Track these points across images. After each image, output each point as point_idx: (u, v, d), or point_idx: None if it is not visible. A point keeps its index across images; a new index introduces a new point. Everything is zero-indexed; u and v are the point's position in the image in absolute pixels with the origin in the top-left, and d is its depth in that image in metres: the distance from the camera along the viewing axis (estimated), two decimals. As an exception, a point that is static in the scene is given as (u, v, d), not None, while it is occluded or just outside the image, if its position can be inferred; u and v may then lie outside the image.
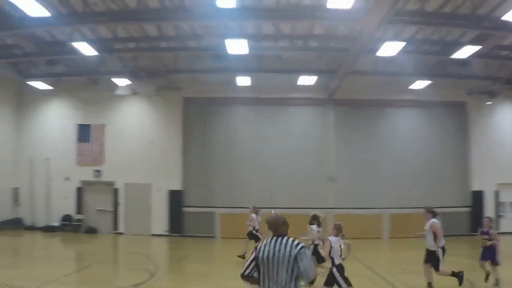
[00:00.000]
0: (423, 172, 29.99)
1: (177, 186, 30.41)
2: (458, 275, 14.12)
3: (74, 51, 23.34)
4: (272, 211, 7.22)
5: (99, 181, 31.08)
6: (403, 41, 21.41)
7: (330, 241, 12.28)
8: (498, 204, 29.97)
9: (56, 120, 31.62)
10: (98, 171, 30.98)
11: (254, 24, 22.68)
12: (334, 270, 11.94)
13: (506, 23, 18.38)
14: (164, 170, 30.51)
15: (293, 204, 27.77)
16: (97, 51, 23.25)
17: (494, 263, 15.08)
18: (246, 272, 6.65)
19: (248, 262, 6.70)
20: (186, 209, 30.19)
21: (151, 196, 30.69)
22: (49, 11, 18.25)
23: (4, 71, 28.59)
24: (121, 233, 30.54)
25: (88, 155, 31.12)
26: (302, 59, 26.78)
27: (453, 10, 19.77)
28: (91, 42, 22.76)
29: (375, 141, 30.34)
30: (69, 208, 30.92)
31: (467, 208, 29.75)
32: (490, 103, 29.65)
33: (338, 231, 12.52)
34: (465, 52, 22.16)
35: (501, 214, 29.80)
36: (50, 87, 30.19)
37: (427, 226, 14.19)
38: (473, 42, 22.15)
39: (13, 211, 31.15)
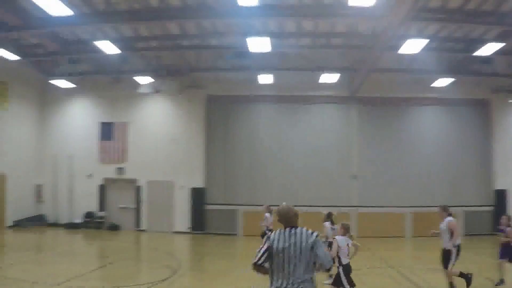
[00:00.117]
0: (446, 171, 29.78)
1: (199, 184, 30.47)
2: (467, 277, 13.96)
3: (97, 50, 23.46)
4: (284, 203, 7.13)
5: (121, 179, 31.24)
6: (426, 38, 21.27)
7: (337, 240, 12.18)
8: (522, 203, 29.65)
9: (79, 118, 31.85)
10: (120, 168, 31.14)
11: (276, 22, 22.66)
12: (341, 269, 11.84)
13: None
14: (187, 167, 30.59)
15: (315, 202, 27.68)
16: (120, 49, 23.38)
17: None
18: (260, 262, 6.52)
19: (260, 252, 6.56)
20: (208, 207, 30.24)
21: (174, 193, 30.78)
22: (72, 10, 18.37)
23: (28, 70, 28.83)
24: (143, 230, 30.67)
25: (111, 153, 31.28)
26: (325, 57, 26.67)
27: (476, 7, 19.61)
28: (113, 40, 22.88)
29: (398, 139, 30.18)
30: (92, 205, 31.15)
31: (489, 207, 29.46)
32: (514, 101, 29.46)
33: (346, 230, 12.42)
34: (489, 49, 22.02)
35: (524, 213, 29.53)
36: (73, 86, 30.37)
37: (443, 225, 14.05)
38: (496, 39, 22.03)
39: (36, 208, 31.43)
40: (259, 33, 21.47)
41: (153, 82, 27.74)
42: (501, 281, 14.90)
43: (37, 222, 30.78)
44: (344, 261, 11.96)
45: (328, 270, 6.80)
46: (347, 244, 12.10)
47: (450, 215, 14.08)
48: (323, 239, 15.84)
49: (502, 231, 15.28)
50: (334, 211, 17.26)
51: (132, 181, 31.15)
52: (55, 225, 31.08)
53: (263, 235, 19.93)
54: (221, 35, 23.64)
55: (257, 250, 6.53)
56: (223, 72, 28.79)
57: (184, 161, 30.60)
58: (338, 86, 29.33)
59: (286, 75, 28.59)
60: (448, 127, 30.35)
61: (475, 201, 29.36)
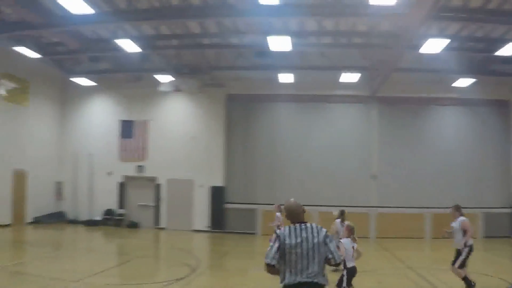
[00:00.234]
0: (465, 172, 29.53)
1: (219, 183, 30.52)
2: (470, 283, 13.85)
3: (118, 48, 23.57)
4: (292, 199, 7.07)
5: (141, 177, 31.35)
6: (447, 38, 21.14)
7: (343, 243, 12.04)
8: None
9: (99, 116, 32.04)
10: (140, 166, 31.25)
11: (297, 21, 22.61)
12: (345, 272, 11.74)
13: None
14: (207, 166, 30.63)
15: (335, 202, 27.57)
16: (141, 48, 23.45)
17: None
18: (273, 262, 6.41)
19: (272, 252, 6.44)
20: (228, 206, 30.29)
21: (193, 192, 30.83)
22: (93, 9, 18.44)
23: (48, 68, 29.03)
24: (162, 228, 30.76)
25: (131, 151, 31.41)
26: (345, 56, 26.58)
27: (498, 6, 19.41)
28: (134, 39, 22.95)
29: (418, 140, 30.00)
30: (112, 202, 31.31)
31: (509, 209, 29.18)
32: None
33: (350, 232, 12.27)
34: (510, 49, 21.83)
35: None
36: (93, 84, 30.60)
37: (455, 224, 13.96)
38: (518, 39, 21.86)
39: (56, 205, 31.69)
40: (279, 32, 21.45)
41: (173, 81, 27.76)
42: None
43: (56, 219, 31.03)
44: (349, 264, 11.79)
45: (338, 264, 6.75)
46: (352, 247, 11.97)
47: (462, 214, 14.01)
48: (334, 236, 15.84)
49: None
50: (335, 211, 17.34)
51: (152, 179, 31.25)
52: (74, 222, 31.28)
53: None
54: (242, 34, 23.62)
55: (268, 250, 6.44)
56: (244, 71, 28.77)
57: (204, 160, 30.64)
58: (358, 86, 29.23)
59: (306, 74, 28.55)
60: (468, 127, 30.14)
61: (494, 203, 29.11)
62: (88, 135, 31.85)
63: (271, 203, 27.91)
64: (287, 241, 6.34)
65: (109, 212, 31.19)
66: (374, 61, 26.29)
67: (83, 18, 19.73)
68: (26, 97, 28.82)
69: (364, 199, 29.34)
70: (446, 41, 20.84)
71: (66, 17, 19.93)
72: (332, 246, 6.49)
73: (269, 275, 6.59)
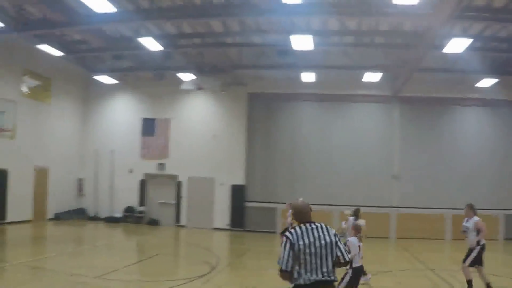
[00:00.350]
0: (487, 173, 29.22)
1: (240, 181, 30.56)
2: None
3: (140, 47, 23.65)
4: (300, 199, 7.03)
5: (162, 174, 31.47)
6: (470, 37, 20.98)
7: (351, 242, 12.01)
8: None
9: (121, 114, 32.20)
10: (162, 164, 31.35)
11: (319, 20, 22.55)
12: (350, 271, 11.69)
13: None
14: (228, 165, 30.69)
15: (355, 201, 27.41)
16: (163, 46, 23.54)
17: None
18: (289, 268, 6.29)
19: (286, 256, 6.31)
20: (248, 204, 30.30)
21: (214, 190, 30.91)
22: (115, 7, 18.53)
23: (71, 66, 29.27)
24: (183, 226, 30.86)
25: (152, 149, 31.53)
26: (368, 56, 26.50)
27: (522, 6, 19.31)
28: (157, 37, 23.02)
29: (440, 140, 29.79)
30: (132, 200, 31.46)
31: (531, 212, 28.93)
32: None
33: (357, 231, 12.30)
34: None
35: None
36: (116, 82, 30.78)
37: (469, 224, 13.87)
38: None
39: (77, 202, 31.95)
40: (302, 31, 21.41)
41: (195, 79, 27.83)
42: None
43: (77, 215, 31.23)
44: (355, 264, 11.73)
45: (347, 263, 6.71)
46: (358, 246, 11.97)
47: (476, 214, 13.94)
48: (345, 232, 15.81)
49: None
50: (347, 210, 17.38)
51: (173, 177, 31.34)
52: (95, 218, 31.49)
53: (283, 232, 19.53)
54: (264, 32, 23.59)
55: (281, 254, 6.32)
56: (266, 69, 28.75)
57: (225, 158, 30.69)
58: (380, 85, 29.12)
59: (328, 74, 28.53)
60: (491, 128, 29.84)
61: (517, 205, 28.85)
62: (109, 133, 32.03)
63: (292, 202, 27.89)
64: (300, 242, 6.26)
65: (129, 209, 31.32)
66: (396, 61, 26.19)
67: (106, 17, 19.86)
68: (48, 94, 29.01)
69: (385, 199, 29.25)
70: (469, 41, 20.68)
71: (89, 16, 20.05)
72: (341, 245, 6.49)
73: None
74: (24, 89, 27.02)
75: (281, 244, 6.36)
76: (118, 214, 31.30)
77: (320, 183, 29.73)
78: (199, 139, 31.09)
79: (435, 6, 17.31)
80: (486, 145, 29.51)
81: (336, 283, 6.50)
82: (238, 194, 30.43)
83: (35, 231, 26.03)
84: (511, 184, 29.15)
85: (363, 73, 27.26)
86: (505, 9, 19.34)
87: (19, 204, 26.40)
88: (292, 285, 6.41)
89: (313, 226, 6.47)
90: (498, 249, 25.59)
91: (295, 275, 6.32)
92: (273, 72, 28.96)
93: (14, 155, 25.98)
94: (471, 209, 14.02)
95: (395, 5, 17.27)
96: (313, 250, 6.23)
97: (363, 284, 14.83)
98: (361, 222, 16.66)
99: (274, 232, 28.93)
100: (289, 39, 21.32)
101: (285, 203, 28.50)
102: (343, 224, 16.57)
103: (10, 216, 25.72)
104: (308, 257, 6.22)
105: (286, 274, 6.36)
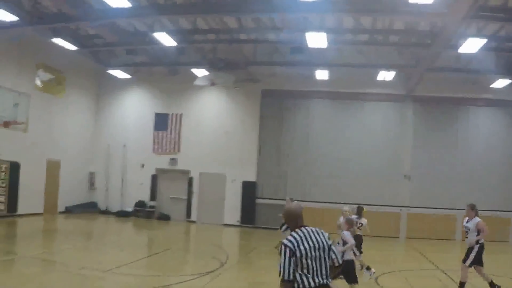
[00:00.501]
0: (499, 174, 29.03)
1: (251, 178, 30.58)
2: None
3: (154, 42, 23.64)
4: (295, 202, 6.92)
5: (174, 169, 31.53)
6: (485, 37, 20.84)
7: (345, 235, 12.07)
8: None
9: (134, 109, 32.28)
10: (173, 159, 31.41)
11: (334, 18, 22.48)
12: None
13: None
14: (239, 161, 30.72)
15: (366, 200, 27.41)
16: (177, 41, 23.51)
17: None
18: (291, 276, 6.06)
19: (286, 264, 6.09)
20: (259, 201, 30.31)
21: (225, 186, 30.96)
22: (130, 2, 18.52)
23: (85, 60, 29.31)
24: (193, 221, 30.91)
25: (164, 144, 31.58)
26: (382, 54, 26.43)
27: (538, 7, 19.17)
28: (171, 32, 23.01)
29: (452, 140, 29.63)
30: (143, 194, 31.55)
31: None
32: None
33: (350, 225, 12.39)
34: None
35: None
36: (129, 76, 30.82)
37: (470, 224, 13.79)
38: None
39: (88, 195, 32.11)
40: (316, 29, 21.34)
41: (208, 75, 27.81)
42: None
43: (88, 209, 31.35)
44: (347, 257, 11.78)
45: (340, 267, 6.65)
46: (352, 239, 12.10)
47: (477, 214, 13.85)
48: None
49: None
50: (346, 207, 17.36)
51: (184, 172, 31.38)
52: (106, 212, 31.63)
53: (281, 227, 19.34)
54: (278, 29, 23.55)
55: (282, 263, 6.07)
56: (279, 66, 28.72)
57: (237, 155, 30.72)
58: (393, 84, 29.01)
59: (341, 72, 28.43)
60: (504, 129, 29.63)
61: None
62: (122, 127, 32.12)
63: (303, 199, 27.92)
64: (301, 247, 6.10)
65: (140, 203, 31.39)
66: (410, 60, 26.10)
67: (121, 11, 19.86)
68: (61, 88, 29.11)
69: (395, 199, 29.18)
70: (483, 41, 20.52)
71: (104, 10, 20.07)
72: (334, 248, 6.45)
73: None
74: (38, 82, 27.13)
75: (280, 252, 6.22)
76: (129, 208, 31.39)
77: (331, 181, 29.70)
78: (211, 135, 31.14)
79: (450, 5, 17.21)
80: (498, 146, 29.33)
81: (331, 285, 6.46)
82: (249, 190, 30.45)
83: (46, 224, 26.15)
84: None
85: (377, 72, 27.15)
86: (520, 9, 19.23)
87: (30, 197, 26.53)
88: None
89: (309, 230, 6.36)
90: (509, 251, 25.49)
91: (298, 279, 6.23)
92: (287, 69, 28.97)
93: (27, 148, 26.11)
94: (473, 210, 13.88)
95: (410, 4, 17.16)
96: (313, 254, 6.14)
97: (369, 279, 14.92)
98: (363, 221, 16.67)
99: (284, 229, 28.93)
100: (303, 36, 21.24)
101: (296, 200, 28.60)
102: (341, 220, 16.58)
103: (22, 209, 25.83)
104: (310, 262, 6.13)
105: (288, 284, 6.12)
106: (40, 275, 13.79)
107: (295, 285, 6.14)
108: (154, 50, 27.48)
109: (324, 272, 6.19)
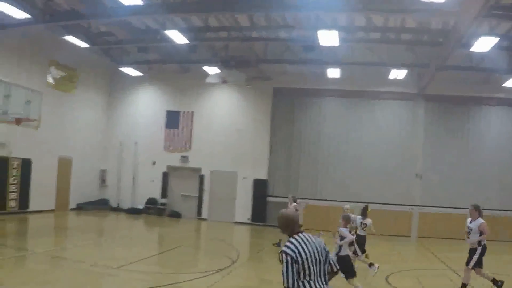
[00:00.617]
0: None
1: (262, 176, 30.60)
2: (496, 283, 13.66)
3: (166, 39, 23.70)
4: (293, 204, 6.82)
5: (185, 167, 31.60)
6: (497, 36, 20.72)
7: (343, 232, 12.15)
8: None
9: (145, 106, 32.35)
10: (185, 157, 31.45)
11: (346, 16, 22.45)
12: (336, 258, 11.72)
13: None
14: (251, 159, 30.74)
15: (378, 199, 27.44)
16: (189, 39, 23.57)
17: None
18: (295, 285, 5.99)
19: (289, 273, 6.02)
20: (270, 199, 30.29)
21: (236, 184, 30.98)
22: (142, 0, 18.55)
23: (97, 58, 29.42)
24: (204, 219, 30.95)
25: (176, 141, 31.63)
26: (393, 53, 26.34)
27: (551, 6, 19.05)
28: (182, 30, 23.05)
29: (465, 139, 29.48)
30: (154, 192, 31.60)
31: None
32: None
33: (347, 222, 12.53)
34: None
35: None
36: (141, 74, 30.86)
37: (473, 225, 13.72)
38: None
39: (99, 192, 32.21)
40: (328, 27, 21.30)
41: (220, 73, 27.85)
42: None
43: (99, 206, 31.44)
44: (343, 252, 12.00)
45: (337, 272, 6.63)
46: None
47: (481, 215, 13.77)
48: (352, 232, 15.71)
49: None
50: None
51: (196, 170, 31.42)
52: (117, 209, 31.71)
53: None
54: (290, 27, 23.55)
55: (284, 272, 5.99)
56: (291, 64, 28.67)
57: (248, 153, 30.74)
58: (405, 83, 28.90)
59: (353, 70, 28.35)
60: (517, 129, 29.51)
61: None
62: (133, 125, 32.19)
63: (313, 198, 27.93)
64: (302, 253, 6.05)
65: (151, 201, 31.47)
66: (422, 59, 26.00)
67: (133, 9, 19.85)
68: (73, 85, 29.20)
69: (407, 198, 29.08)
70: (495, 40, 20.42)
71: (116, 8, 20.07)
72: (329, 254, 6.42)
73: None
74: (50, 80, 27.21)
75: (280, 260, 6.16)
76: (140, 205, 31.48)
77: (342, 179, 29.67)
78: (222, 132, 31.15)
79: (462, 4, 17.13)
80: (510, 145, 29.05)
81: None
82: (260, 188, 30.45)
83: (57, 220, 26.26)
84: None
85: (389, 70, 27.05)
86: (534, 8, 19.12)
87: (42, 193, 26.64)
88: None
89: (305, 236, 6.30)
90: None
91: (300, 285, 6.20)
92: (298, 67, 28.89)
93: (39, 145, 26.19)
94: (476, 210, 13.79)
95: (423, 2, 17.12)
96: (313, 259, 6.12)
97: (373, 276, 14.96)
98: (368, 221, 16.63)
99: (300, 226, 28.84)
100: (315, 34, 21.20)
101: (307, 198, 28.66)
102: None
103: (33, 205, 25.96)
104: (311, 267, 6.12)
105: None
106: (51, 272, 13.86)
107: None
108: (166, 48, 27.51)
109: (323, 277, 6.18)
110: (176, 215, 31.14)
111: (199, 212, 31.25)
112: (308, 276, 6.06)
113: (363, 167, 29.72)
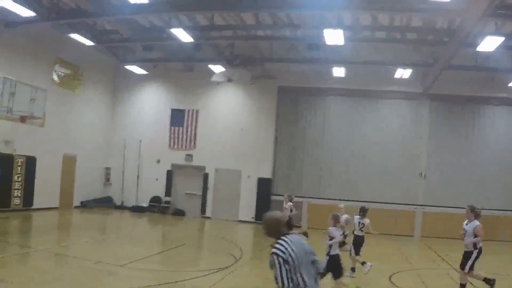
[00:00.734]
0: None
1: (266, 174, 30.60)
2: (489, 282, 13.66)
3: (171, 37, 23.73)
4: (275, 212, 6.75)
5: (189, 165, 31.60)
6: (503, 36, 20.67)
7: (333, 231, 12.31)
8: None
9: (150, 104, 32.38)
10: (189, 155, 31.47)
11: (351, 15, 22.41)
12: (327, 259, 11.73)
13: None
14: (255, 158, 30.74)
15: (381, 198, 27.48)
16: (194, 38, 23.55)
17: None
18: (290, 284, 6.02)
19: (283, 274, 6.07)
20: (274, 198, 30.23)
21: (241, 182, 30.99)
22: (147, -3, 18.58)
23: (101, 56, 29.38)
24: (208, 217, 30.97)
25: (180, 140, 31.65)
26: (399, 52, 26.29)
27: (557, 5, 18.99)
28: (187, 29, 23.04)
29: (469, 139, 29.46)
30: (158, 190, 31.62)
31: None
32: None
33: (336, 221, 12.59)
34: None
35: None
36: (145, 72, 30.87)
37: (468, 227, 13.71)
38: None
39: (104, 190, 32.31)
40: (333, 26, 21.27)
41: (225, 71, 27.85)
42: None
43: (103, 203, 31.50)
44: (333, 251, 12.10)
45: (325, 275, 6.61)
46: (339, 234, 12.25)
47: (477, 217, 13.74)
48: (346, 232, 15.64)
49: None
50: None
51: (200, 168, 31.42)
52: (121, 207, 31.77)
53: None
54: (295, 26, 23.53)
55: (277, 274, 6.07)
56: (295, 63, 28.63)
57: (252, 151, 30.74)
58: (410, 82, 28.85)
59: (358, 69, 28.34)
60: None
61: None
62: (138, 123, 32.22)
63: (317, 197, 27.91)
64: (292, 254, 6.06)
65: (155, 199, 31.50)
66: (427, 58, 25.96)
67: (138, 7, 19.89)
68: (78, 83, 29.24)
69: (411, 197, 29.08)
70: (501, 39, 20.37)
71: (121, 6, 20.11)
72: (316, 256, 6.43)
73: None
74: (55, 77, 27.25)
75: (272, 262, 6.14)
76: (144, 203, 31.51)
77: (346, 179, 29.71)
78: (227, 131, 31.17)
79: (468, 3, 17.11)
80: (515, 146, 29.08)
81: None
82: (264, 187, 30.44)
83: (61, 218, 26.28)
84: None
85: (393, 69, 27.00)
86: (539, 8, 19.06)
87: (46, 191, 26.67)
88: None
89: (292, 238, 6.28)
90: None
91: (295, 282, 6.18)
92: (303, 66, 28.87)
93: (43, 143, 26.23)
94: (472, 211, 13.80)
95: (428, 1, 17.10)
96: (302, 259, 6.13)
97: (365, 274, 14.97)
98: (366, 221, 16.60)
99: (299, 227, 28.88)
100: (320, 33, 21.22)
101: (311, 197, 28.67)
102: (343, 217, 16.55)
103: (37, 203, 25.97)
104: (302, 266, 6.13)
105: None
106: (54, 269, 13.89)
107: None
108: (170, 46, 27.52)
109: (311, 282, 6.18)
110: (180, 213, 31.17)
111: (203, 210, 31.25)
112: (299, 274, 6.09)
113: (367, 166, 29.75)
